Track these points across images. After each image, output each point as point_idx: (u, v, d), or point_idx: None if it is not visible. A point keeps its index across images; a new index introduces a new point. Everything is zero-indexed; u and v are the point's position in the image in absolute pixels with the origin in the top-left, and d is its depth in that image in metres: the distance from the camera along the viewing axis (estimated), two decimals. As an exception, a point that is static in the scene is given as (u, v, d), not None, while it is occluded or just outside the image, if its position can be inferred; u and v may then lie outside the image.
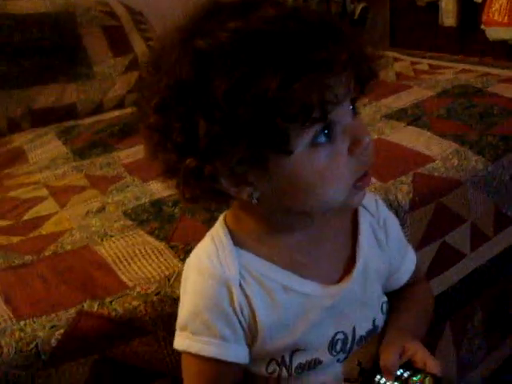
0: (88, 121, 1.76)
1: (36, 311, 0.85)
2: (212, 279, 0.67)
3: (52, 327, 0.82)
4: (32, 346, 0.79)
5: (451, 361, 1.22)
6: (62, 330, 0.82)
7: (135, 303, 0.85)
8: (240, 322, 0.68)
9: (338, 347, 0.72)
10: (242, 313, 0.67)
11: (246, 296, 0.67)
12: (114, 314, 0.83)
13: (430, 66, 1.84)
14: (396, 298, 0.80)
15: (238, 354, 0.69)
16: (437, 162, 1.21)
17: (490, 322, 1.30)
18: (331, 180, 0.61)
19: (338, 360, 0.73)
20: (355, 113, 0.63)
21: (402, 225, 1.10)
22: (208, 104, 0.54)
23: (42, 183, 1.32)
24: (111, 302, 0.85)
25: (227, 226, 0.70)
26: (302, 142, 0.58)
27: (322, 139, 0.59)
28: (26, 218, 1.15)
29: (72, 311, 0.84)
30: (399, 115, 1.45)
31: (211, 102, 0.54)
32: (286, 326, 0.69)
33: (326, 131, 0.59)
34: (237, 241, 0.69)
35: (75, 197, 1.22)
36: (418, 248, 1.13)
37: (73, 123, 1.72)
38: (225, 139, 0.55)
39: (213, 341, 0.67)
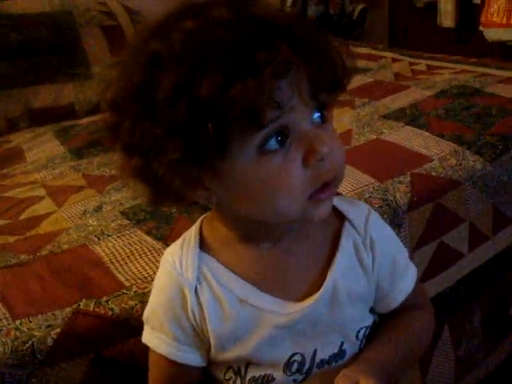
0: (86, 121, 1.76)
1: (32, 310, 0.84)
2: (170, 280, 0.67)
3: (48, 326, 0.81)
4: (28, 345, 0.79)
5: (449, 361, 1.22)
6: (58, 330, 0.81)
7: (132, 303, 0.84)
8: (193, 327, 0.67)
9: (294, 368, 0.68)
10: (194, 318, 0.66)
11: (199, 303, 0.65)
12: (110, 313, 0.83)
13: (428, 66, 1.84)
14: (384, 323, 0.74)
15: (190, 356, 0.68)
16: (434, 161, 1.21)
17: (488, 322, 1.29)
18: (281, 190, 0.57)
19: (294, 380, 0.68)
20: (322, 121, 0.60)
21: (400, 225, 1.10)
22: (153, 106, 0.54)
23: (40, 183, 1.31)
24: (108, 302, 0.85)
25: (200, 229, 0.69)
26: (247, 147, 0.55)
27: (273, 145, 0.56)
28: (22, 217, 1.14)
29: (68, 310, 0.84)
30: (397, 115, 1.45)
31: (155, 104, 0.53)
32: (237, 338, 0.66)
33: (278, 137, 0.56)
34: (205, 245, 0.68)
35: (72, 196, 1.21)
36: (416, 248, 1.13)
37: (71, 123, 1.71)
38: (165, 140, 0.54)
39: (166, 339, 0.68)
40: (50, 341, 0.80)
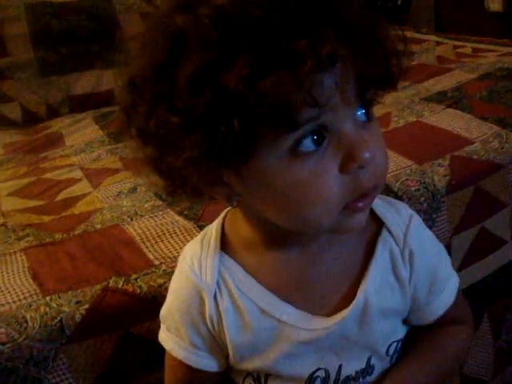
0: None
1: (62, 287, 0.85)
2: (187, 283, 0.63)
3: (77, 303, 0.82)
4: (56, 320, 0.80)
5: (489, 352, 1.18)
6: (86, 306, 0.81)
7: (160, 281, 0.84)
8: (210, 333, 0.63)
9: (317, 383, 0.63)
10: (212, 325, 0.62)
11: (218, 310, 0.61)
12: (138, 290, 0.83)
13: (473, 49, 1.78)
14: (418, 338, 0.68)
15: (207, 362, 0.65)
16: (476, 144, 1.16)
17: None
18: (313, 198, 0.50)
19: None
20: (367, 120, 0.52)
21: (438, 209, 1.06)
22: (172, 91, 0.47)
23: (77, 165, 1.33)
24: (136, 279, 0.85)
25: (222, 226, 0.64)
26: (277, 149, 0.48)
27: (308, 146, 0.48)
28: (59, 198, 1.16)
29: (97, 287, 0.84)
30: (439, 98, 1.41)
31: (175, 89, 0.47)
32: (257, 349, 0.62)
33: (314, 136, 0.48)
34: (227, 245, 0.62)
35: (108, 178, 1.22)
36: (455, 233, 1.09)
37: (110, 109, 1.73)
38: (183, 133, 0.48)
39: (182, 344, 0.65)
40: (78, 317, 0.81)
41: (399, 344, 0.66)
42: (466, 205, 1.10)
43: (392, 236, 0.62)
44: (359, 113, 0.51)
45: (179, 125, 0.47)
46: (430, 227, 1.05)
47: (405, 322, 0.67)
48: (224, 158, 0.49)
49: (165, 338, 0.67)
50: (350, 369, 0.63)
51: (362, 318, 0.61)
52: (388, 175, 1.06)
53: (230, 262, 0.62)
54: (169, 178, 0.54)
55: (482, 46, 1.80)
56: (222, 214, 0.66)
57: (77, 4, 1.80)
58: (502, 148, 1.16)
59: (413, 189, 1.05)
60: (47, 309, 0.81)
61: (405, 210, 0.65)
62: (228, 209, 0.65)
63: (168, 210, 1.04)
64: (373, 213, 0.62)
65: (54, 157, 1.40)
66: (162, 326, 0.67)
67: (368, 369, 0.64)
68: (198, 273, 0.62)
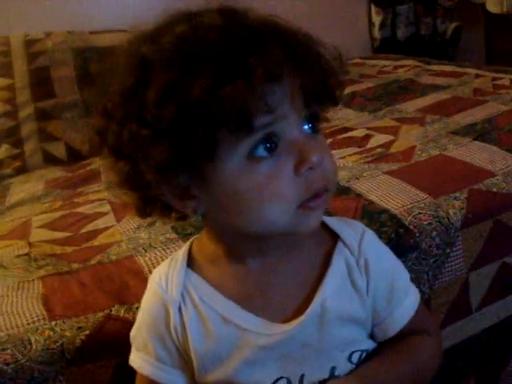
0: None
1: (69, 313, 0.89)
2: (155, 298, 0.67)
3: (79, 328, 0.86)
4: (58, 344, 0.84)
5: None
6: (87, 332, 0.85)
7: (159, 310, 0.86)
8: (176, 347, 0.66)
9: None
10: (177, 337, 0.65)
11: (183, 321, 0.65)
12: (137, 319, 0.86)
13: (512, 80, 1.73)
14: (383, 346, 0.70)
15: (174, 378, 0.67)
16: (497, 177, 1.13)
17: None
18: (270, 198, 0.56)
19: None
20: (314, 132, 0.59)
21: (453, 243, 1.04)
22: (141, 107, 0.53)
23: (107, 200, 1.39)
24: (138, 308, 0.87)
25: (190, 246, 0.69)
26: (236, 153, 0.54)
27: (262, 152, 0.55)
28: (84, 230, 1.21)
29: (100, 315, 0.88)
30: (467, 130, 1.38)
31: (144, 105, 0.53)
32: (220, 359, 0.64)
33: (268, 144, 0.55)
34: (193, 263, 0.67)
35: (131, 212, 1.27)
36: (473, 268, 1.06)
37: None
38: (152, 142, 0.53)
39: (149, 360, 0.67)
40: (78, 341, 0.84)
41: (364, 354, 0.67)
42: (485, 239, 1.07)
43: (347, 247, 0.66)
44: (306, 126, 0.58)
45: (148, 136, 0.53)
46: (444, 262, 1.03)
47: (371, 337, 0.69)
48: (189, 163, 0.55)
49: (133, 357, 0.70)
50: (312, 378, 0.65)
51: (320, 324, 0.64)
52: (400, 209, 1.06)
53: (194, 276, 0.66)
54: (140, 192, 0.60)
55: (521, 77, 1.76)
56: (190, 240, 0.71)
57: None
58: (525, 180, 1.12)
59: (425, 223, 1.03)
60: (51, 333, 0.85)
61: (358, 225, 0.71)
62: (195, 236, 0.71)
63: (180, 242, 1.07)
64: (328, 229, 0.68)
65: (88, 192, 1.47)
66: (132, 348, 0.70)
67: (331, 379, 0.65)
68: (164, 287, 0.66)
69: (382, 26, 2.65)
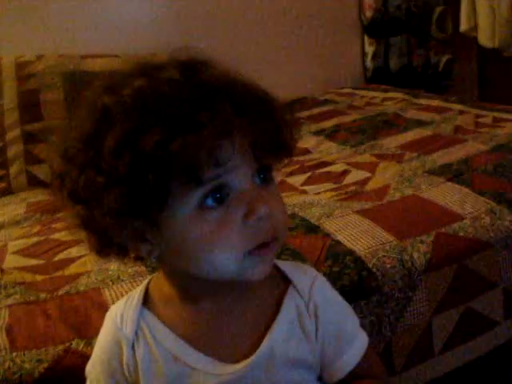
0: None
1: (30, 345, 0.91)
2: (109, 334, 0.69)
3: (38, 361, 0.87)
4: (16, 375, 0.85)
5: None
6: (45, 364, 0.87)
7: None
8: (127, 383, 0.67)
9: None
10: (129, 373, 0.67)
11: (135, 358, 0.66)
12: (94, 354, 0.87)
13: (494, 119, 1.75)
14: None
15: None
16: (465, 221, 1.15)
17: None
18: (218, 246, 0.57)
19: None
20: (266, 183, 0.61)
21: (416, 287, 1.05)
22: (99, 156, 0.56)
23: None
24: (96, 343, 0.89)
25: (148, 285, 0.70)
26: (187, 202, 0.57)
27: (211, 203, 0.57)
28: (56, 258, 1.22)
29: (60, 348, 0.89)
30: (442, 170, 1.40)
31: (101, 154, 0.55)
32: None
33: (217, 195, 0.57)
34: (149, 301, 0.68)
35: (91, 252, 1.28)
36: (436, 312, 1.07)
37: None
38: (106, 189, 0.55)
39: None
40: (36, 374, 0.86)
41: None
42: (449, 284, 1.08)
43: (298, 292, 0.68)
44: (258, 176, 0.60)
45: (103, 183, 0.56)
46: (405, 306, 1.04)
47: (320, 379, 0.70)
48: (141, 212, 0.56)
49: None
50: None
51: (268, 366, 0.65)
52: (365, 251, 1.07)
53: (149, 314, 0.67)
54: (96, 235, 0.62)
55: (505, 115, 1.77)
56: (147, 280, 0.72)
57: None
58: (493, 225, 1.14)
59: (388, 266, 1.04)
60: (11, 364, 0.87)
61: (310, 271, 0.73)
62: (153, 275, 0.72)
63: (148, 276, 1.07)
64: (282, 274, 0.69)
65: (67, 217, 1.48)
66: (87, 382, 0.71)
67: None
68: (119, 324, 0.68)
69: (375, 56, 2.68)
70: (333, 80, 2.67)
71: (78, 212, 0.60)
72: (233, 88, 0.58)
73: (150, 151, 0.53)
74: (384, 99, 2.29)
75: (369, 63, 2.72)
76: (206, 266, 0.60)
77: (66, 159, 0.60)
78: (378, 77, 2.72)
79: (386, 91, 2.42)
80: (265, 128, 0.57)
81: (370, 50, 2.71)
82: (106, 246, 0.63)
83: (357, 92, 2.52)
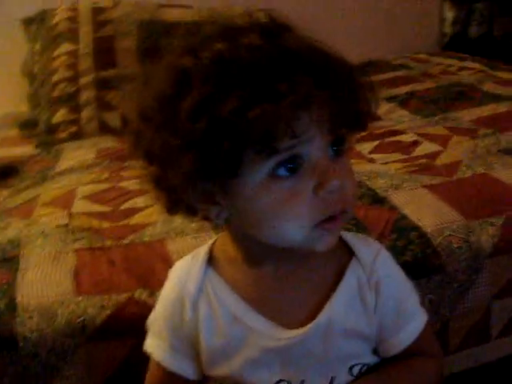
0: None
1: (94, 290, 0.95)
2: (173, 290, 0.71)
3: (101, 307, 0.91)
4: (80, 319, 0.89)
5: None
6: (108, 311, 0.91)
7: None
8: (188, 337, 0.69)
9: None
10: (190, 329, 0.68)
11: (197, 316, 0.68)
12: (157, 305, 0.90)
13: None
14: (384, 366, 0.71)
15: (183, 366, 0.71)
16: (540, 207, 1.10)
17: None
18: (287, 216, 0.58)
19: None
20: (339, 155, 0.60)
21: (479, 270, 1.03)
22: (175, 118, 0.56)
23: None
24: (159, 295, 0.92)
25: (212, 245, 0.72)
26: (259, 171, 0.56)
27: (284, 172, 0.57)
28: (123, 207, 1.26)
29: (123, 296, 0.93)
30: (519, 151, 1.34)
31: (178, 117, 0.56)
32: (227, 354, 0.68)
33: (290, 165, 0.57)
34: (213, 261, 0.70)
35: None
36: (496, 297, 1.05)
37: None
38: (181, 152, 0.56)
39: (163, 347, 0.71)
40: (99, 320, 0.90)
41: (364, 367, 0.69)
42: (514, 270, 1.05)
43: (361, 265, 0.68)
44: (332, 148, 0.60)
45: (178, 145, 0.56)
46: (468, 288, 1.02)
47: (375, 352, 0.71)
48: (213, 176, 0.57)
49: (148, 342, 0.73)
50: None
51: (325, 335, 0.66)
52: (432, 228, 1.05)
53: (213, 274, 0.69)
54: (168, 194, 0.63)
55: None
56: (213, 239, 0.73)
57: (186, 25, 1.92)
58: None
59: (454, 246, 1.02)
60: (75, 307, 0.91)
61: (375, 244, 0.72)
62: (219, 234, 0.73)
63: (211, 232, 1.09)
64: (346, 245, 0.69)
65: (136, 166, 1.51)
66: (148, 333, 0.74)
67: None
68: (183, 281, 0.70)
69: (454, 22, 2.56)
70: (408, 44, 2.56)
71: (151, 171, 0.61)
72: (314, 57, 0.57)
73: (227, 118, 0.53)
74: (460, 68, 2.19)
75: (447, 29, 2.61)
76: (273, 234, 0.60)
77: (143, 118, 0.60)
78: (456, 44, 2.61)
79: (462, 60, 2.31)
80: (343, 101, 0.56)
81: (449, 15, 2.59)
82: (176, 204, 0.64)
83: (432, 59, 2.42)
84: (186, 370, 0.71)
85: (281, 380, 0.67)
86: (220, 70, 0.55)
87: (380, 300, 0.67)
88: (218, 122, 0.53)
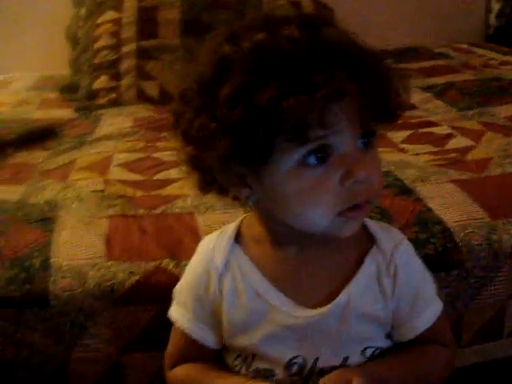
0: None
1: (124, 256, 0.99)
2: (201, 262, 0.75)
3: (130, 273, 0.96)
4: (110, 283, 0.94)
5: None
6: (136, 277, 0.95)
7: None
8: (212, 309, 0.73)
9: (294, 369, 0.71)
10: (214, 301, 0.72)
11: (221, 289, 0.72)
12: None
13: None
14: (397, 350, 0.75)
15: (205, 335, 0.75)
16: None
17: None
18: (313, 203, 0.62)
19: (293, 382, 0.72)
20: (368, 146, 0.63)
21: (498, 269, 1.04)
22: (214, 103, 0.59)
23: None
24: (185, 266, 0.96)
25: (240, 224, 0.75)
26: (289, 158, 0.60)
27: (313, 161, 0.60)
28: (156, 177, 1.30)
29: (152, 264, 0.97)
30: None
31: (217, 102, 0.59)
32: (247, 328, 0.72)
33: (319, 154, 0.60)
34: (240, 239, 0.74)
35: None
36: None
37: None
38: (218, 136, 0.59)
39: (186, 315, 0.75)
40: (127, 285, 0.94)
41: (377, 351, 0.73)
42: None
43: (381, 251, 0.72)
44: (361, 140, 0.63)
45: (216, 130, 0.60)
46: (484, 285, 1.04)
47: (388, 336, 0.75)
48: (246, 161, 0.61)
49: (173, 310, 0.78)
50: (325, 363, 0.71)
51: (342, 317, 0.70)
52: (455, 223, 1.06)
53: (239, 251, 0.73)
54: (203, 175, 0.67)
55: None
56: (241, 217, 0.77)
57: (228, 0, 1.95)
58: None
59: (475, 243, 1.03)
60: (105, 272, 0.96)
61: (397, 233, 0.76)
62: (246, 214, 0.78)
63: (240, 209, 1.12)
64: (368, 231, 0.73)
65: (171, 138, 1.55)
66: (173, 302, 0.78)
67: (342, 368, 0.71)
68: (210, 255, 0.74)
69: (500, 13, 2.51)
70: (450, 32, 2.52)
71: (188, 151, 0.65)
72: (349, 51, 0.59)
73: (263, 106, 0.56)
74: (502, 62, 2.16)
75: (492, 20, 2.56)
76: (299, 219, 0.64)
77: (183, 100, 0.64)
78: (500, 36, 2.56)
79: (505, 54, 2.27)
80: (375, 95, 0.59)
81: (495, 6, 2.54)
82: (209, 184, 0.68)
83: (474, 50, 2.39)
84: (207, 339, 0.76)
85: (297, 355, 0.71)
86: (259, 60, 0.58)
87: (397, 286, 0.71)
88: (255, 109, 0.57)
